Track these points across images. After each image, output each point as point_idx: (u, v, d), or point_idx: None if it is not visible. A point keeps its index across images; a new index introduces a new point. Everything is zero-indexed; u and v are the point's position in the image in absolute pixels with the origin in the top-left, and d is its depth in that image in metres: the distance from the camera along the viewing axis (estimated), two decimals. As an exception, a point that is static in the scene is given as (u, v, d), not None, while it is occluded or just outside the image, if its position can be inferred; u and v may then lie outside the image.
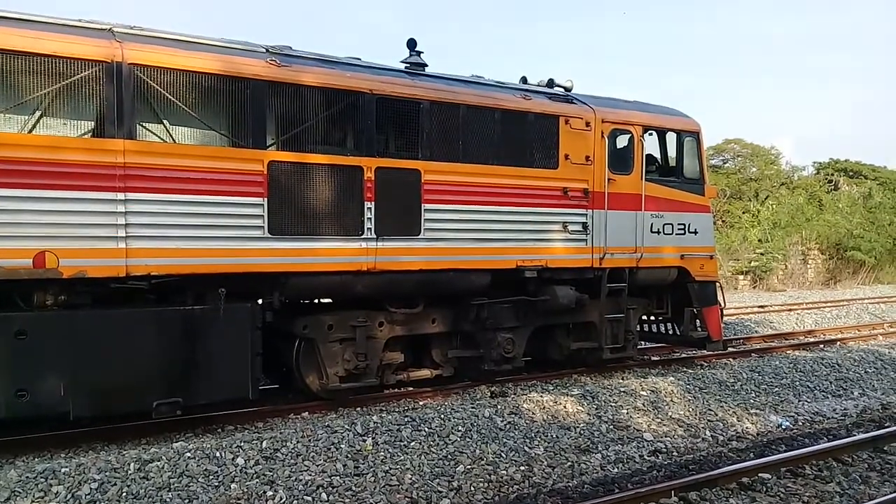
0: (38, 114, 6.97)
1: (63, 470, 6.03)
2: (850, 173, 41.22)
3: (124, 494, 5.84)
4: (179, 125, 7.60)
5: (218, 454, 6.52)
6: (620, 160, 10.48)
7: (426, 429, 7.52)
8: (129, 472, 6.12)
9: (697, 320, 11.35)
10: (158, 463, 6.28)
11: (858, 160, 41.76)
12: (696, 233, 11.24)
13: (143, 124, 7.31)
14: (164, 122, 7.50)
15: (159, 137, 7.46)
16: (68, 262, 6.74)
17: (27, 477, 5.87)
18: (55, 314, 6.89)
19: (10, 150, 6.52)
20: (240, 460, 6.49)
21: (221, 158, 7.57)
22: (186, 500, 5.86)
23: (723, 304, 11.62)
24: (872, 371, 11.59)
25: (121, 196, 6.96)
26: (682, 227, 11.09)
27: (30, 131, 6.90)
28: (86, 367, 6.87)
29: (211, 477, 6.21)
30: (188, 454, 6.47)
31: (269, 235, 7.76)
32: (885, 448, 7.69)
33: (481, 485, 6.54)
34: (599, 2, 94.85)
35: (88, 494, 5.78)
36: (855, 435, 8.21)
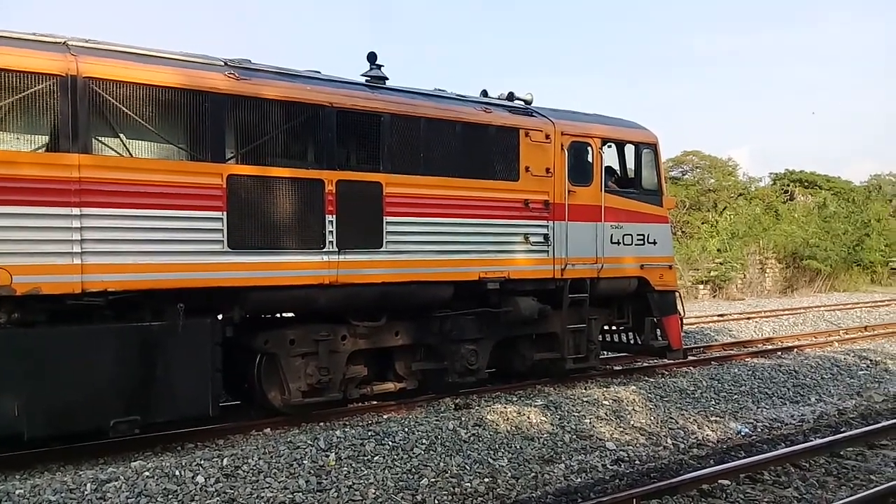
0: (-11, 128, 6.84)
1: (17, 492, 5.88)
2: (806, 184, 42.11)
3: (80, 516, 5.72)
4: (136, 139, 7.51)
5: (177, 473, 6.41)
6: (580, 172, 10.58)
7: (390, 442, 7.48)
8: (86, 492, 5.99)
9: (658, 330, 11.47)
10: (116, 483, 6.15)
11: (813, 171, 42.82)
12: (655, 243, 11.38)
13: (99, 138, 7.20)
14: (121, 136, 7.40)
15: (116, 151, 7.36)
16: (22, 279, 6.60)
17: (-21, 500, 5.72)
18: (8, 332, 6.73)
19: (-39, 165, 6.38)
20: (200, 479, 6.39)
21: (179, 172, 7.49)
22: (145, 521, 5.76)
23: (682, 314, 11.77)
24: (829, 377, 11.83)
25: (76, 211, 6.85)
26: (642, 237, 11.23)
27: (-19, 146, 6.77)
28: (41, 385, 6.72)
29: (170, 496, 6.10)
30: (147, 473, 6.35)
31: (229, 249, 7.69)
32: (842, 453, 7.83)
33: (445, 498, 6.52)
34: (558, 17, 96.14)
35: (43, 517, 5.66)
36: (812, 440, 8.35)
